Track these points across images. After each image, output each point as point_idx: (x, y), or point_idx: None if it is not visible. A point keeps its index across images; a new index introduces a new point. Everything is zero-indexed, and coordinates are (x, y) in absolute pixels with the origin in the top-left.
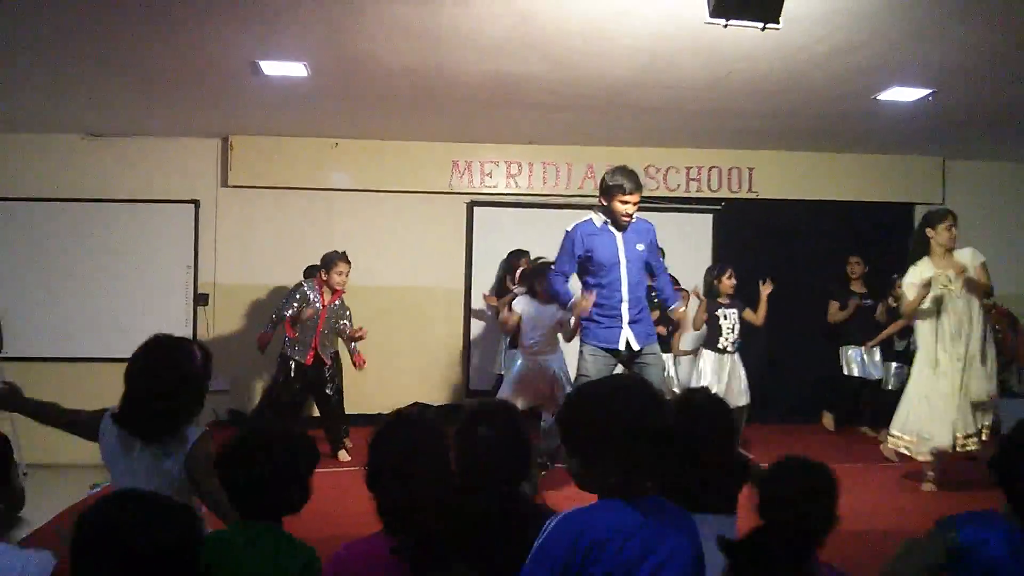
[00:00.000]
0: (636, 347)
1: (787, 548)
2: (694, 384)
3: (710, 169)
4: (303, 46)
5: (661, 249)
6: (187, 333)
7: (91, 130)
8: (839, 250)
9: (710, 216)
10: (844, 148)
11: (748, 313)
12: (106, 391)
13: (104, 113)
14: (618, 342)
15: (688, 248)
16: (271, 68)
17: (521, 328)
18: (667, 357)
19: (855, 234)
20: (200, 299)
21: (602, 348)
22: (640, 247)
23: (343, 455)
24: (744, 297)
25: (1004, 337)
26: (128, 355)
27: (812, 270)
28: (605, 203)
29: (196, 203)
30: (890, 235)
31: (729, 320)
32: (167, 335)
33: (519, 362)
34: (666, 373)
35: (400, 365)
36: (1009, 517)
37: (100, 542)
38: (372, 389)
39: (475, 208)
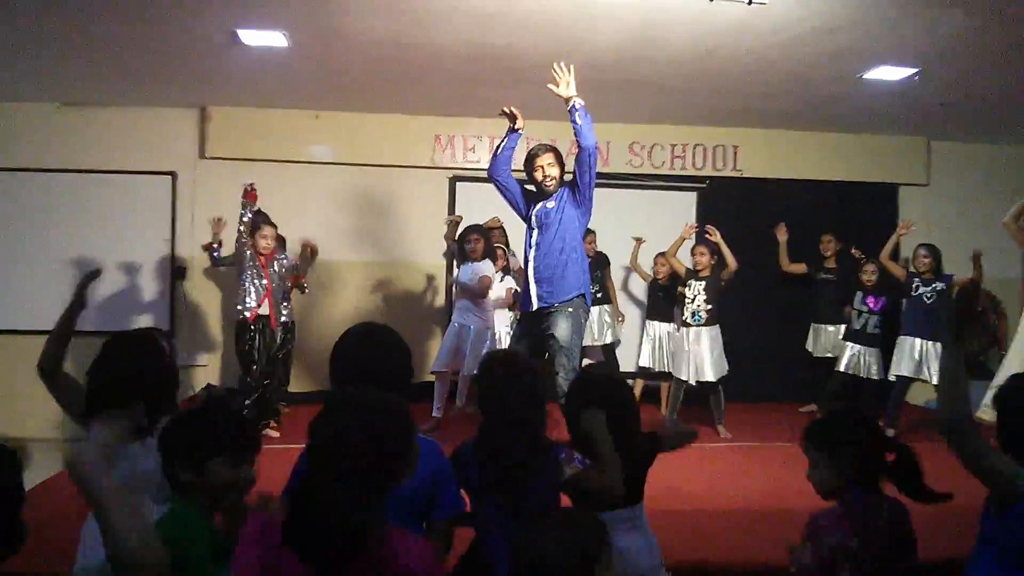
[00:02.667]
0: (534, 306)
1: None
2: (670, 355)
3: (695, 147)
4: (282, 15)
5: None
6: (165, 306)
7: (66, 99)
8: (823, 230)
9: (694, 194)
10: (829, 127)
11: (724, 272)
12: (78, 365)
13: (79, 82)
14: (526, 305)
15: (671, 225)
16: (250, 37)
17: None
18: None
19: (839, 214)
20: (177, 272)
21: (520, 316)
22: (550, 204)
23: (271, 431)
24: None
25: (986, 320)
26: (103, 328)
27: (796, 249)
28: (530, 180)
29: (173, 175)
30: (874, 216)
31: (692, 291)
32: (128, 332)
33: (451, 325)
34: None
35: None
36: None
37: None
38: None
39: (457, 183)
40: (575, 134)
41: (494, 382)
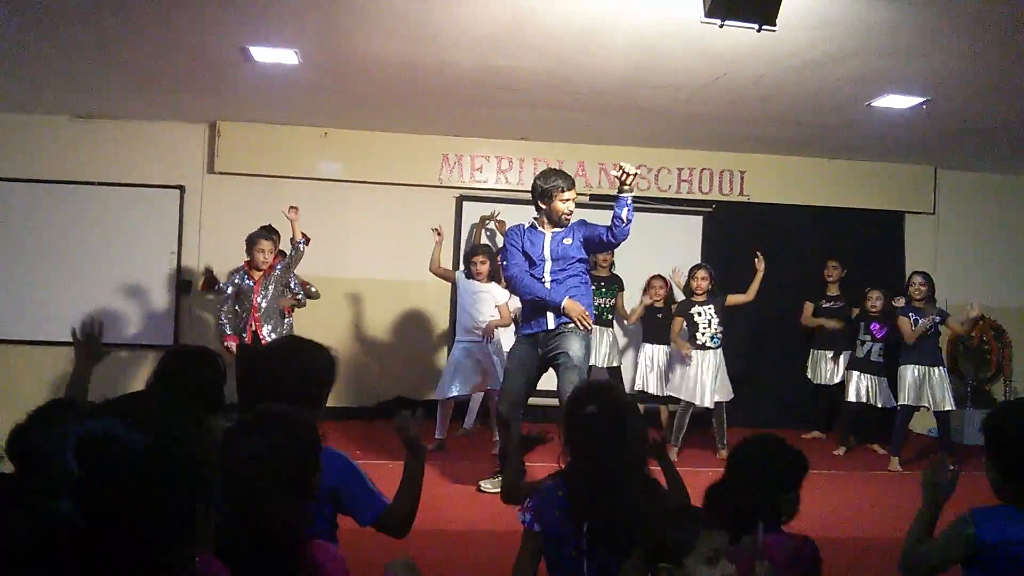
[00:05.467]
0: (551, 326)
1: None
2: (678, 378)
3: (701, 171)
4: (295, 33)
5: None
6: (170, 319)
7: (78, 112)
8: (829, 257)
9: (700, 218)
10: (836, 154)
11: (732, 297)
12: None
13: (91, 95)
14: (540, 326)
15: (677, 250)
16: (261, 54)
17: (458, 310)
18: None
19: (844, 241)
20: (183, 286)
21: (524, 336)
22: (567, 241)
23: None
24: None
25: (991, 349)
26: (109, 340)
27: (800, 276)
28: (544, 205)
29: (181, 189)
30: (880, 243)
31: (704, 316)
32: (189, 347)
33: (457, 347)
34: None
35: (385, 358)
36: None
37: None
38: (357, 383)
39: (464, 203)
40: (615, 226)
41: (588, 419)
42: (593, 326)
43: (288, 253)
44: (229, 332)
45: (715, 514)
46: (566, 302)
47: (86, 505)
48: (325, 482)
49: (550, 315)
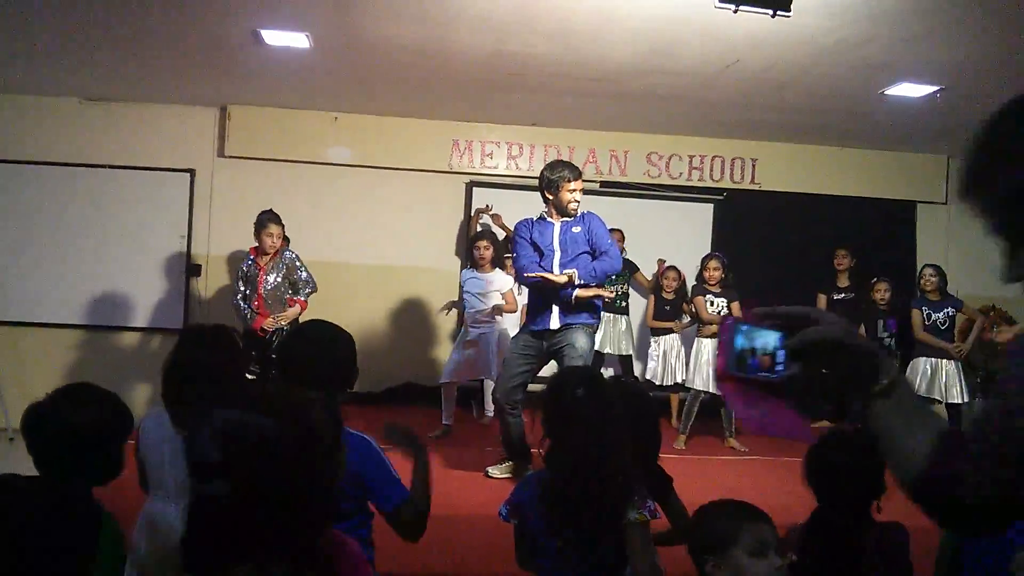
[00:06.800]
0: (555, 326)
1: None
2: (691, 367)
3: (713, 159)
4: (306, 16)
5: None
6: (179, 303)
7: (88, 94)
8: (839, 246)
9: (711, 206)
10: (849, 143)
11: (736, 307)
12: (93, 358)
13: (102, 77)
14: (543, 324)
15: (688, 237)
16: (273, 38)
17: (465, 305)
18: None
19: (856, 230)
20: (192, 270)
21: (529, 330)
22: (577, 229)
23: None
24: (739, 289)
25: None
26: (118, 323)
27: (811, 264)
28: (551, 196)
29: (192, 172)
30: (891, 233)
31: (716, 307)
32: (205, 325)
33: (462, 333)
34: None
35: (393, 344)
36: None
37: None
38: (363, 369)
39: (474, 189)
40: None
41: (569, 404)
42: (605, 314)
43: (302, 274)
44: (250, 318)
45: None
46: (569, 272)
47: (234, 486)
48: (347, 466)
49: (556, 312)
